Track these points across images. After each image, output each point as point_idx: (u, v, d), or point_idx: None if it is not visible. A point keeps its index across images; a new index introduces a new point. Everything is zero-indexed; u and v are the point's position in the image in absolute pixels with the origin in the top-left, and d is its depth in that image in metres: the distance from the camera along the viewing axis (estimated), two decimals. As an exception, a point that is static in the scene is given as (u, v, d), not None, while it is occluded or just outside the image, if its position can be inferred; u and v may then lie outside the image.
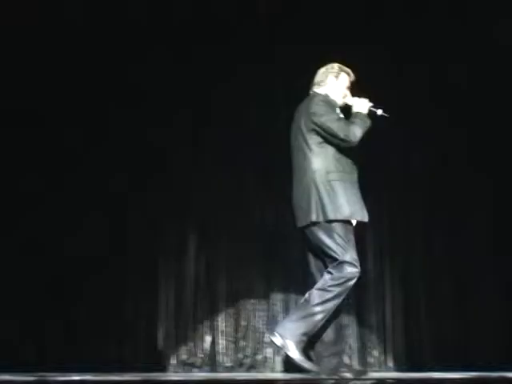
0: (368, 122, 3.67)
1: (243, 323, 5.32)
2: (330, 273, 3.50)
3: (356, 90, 3.89)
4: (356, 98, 3.78)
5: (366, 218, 3.62)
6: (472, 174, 5.50)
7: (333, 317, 3.56)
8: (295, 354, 3.42)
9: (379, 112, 3.76)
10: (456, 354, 5.08)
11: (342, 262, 3.48)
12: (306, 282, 3.98)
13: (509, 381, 3.03)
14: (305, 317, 3.47)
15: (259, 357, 5.28)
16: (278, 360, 5.22)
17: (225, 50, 5.50)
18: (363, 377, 3.64)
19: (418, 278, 5.42)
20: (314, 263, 3.71)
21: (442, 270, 5.44)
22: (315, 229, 3.56)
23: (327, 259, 3.57)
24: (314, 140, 3.61)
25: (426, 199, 5.51)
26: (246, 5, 5.51)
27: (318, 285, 3.52)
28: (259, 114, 5.47)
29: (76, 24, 5.28)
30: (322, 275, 3.56)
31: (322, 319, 3.47)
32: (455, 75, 5.50)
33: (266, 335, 5.21)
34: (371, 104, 3.76)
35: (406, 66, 5.54)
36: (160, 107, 5.47)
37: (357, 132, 3.57)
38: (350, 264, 3.50)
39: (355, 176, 3.68)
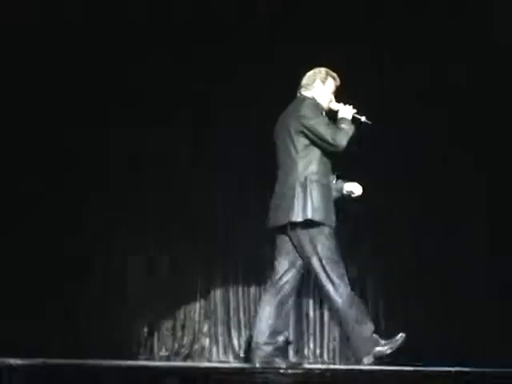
0: (352, 129, 3.68)
1: (181, 315, 5.45)
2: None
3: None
4: (341, 104, 3.79)
5: (333, 224, 3.64)
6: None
7: (281, 308, 3.63)
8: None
9: (363, 119, 3.78)
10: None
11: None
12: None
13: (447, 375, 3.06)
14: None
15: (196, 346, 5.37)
16: (215, 350, 5.35)
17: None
18: (296, 368, 3.66)
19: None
20: (284, 260, 3.69)
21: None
22: (294, 228, 3.58)
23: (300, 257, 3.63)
24: (301, 142, 3.63)
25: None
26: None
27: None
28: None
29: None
30: (293, 272, 3.65)
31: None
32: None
33: (204, 325, 5.39)
34: (355, 111, 3.77)
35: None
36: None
37: (344, 138, 3.60)
38: None
39: (331, 181, 3.76)
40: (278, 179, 3.70)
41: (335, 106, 3.80)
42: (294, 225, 3.56)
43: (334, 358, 5.41)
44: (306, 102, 3.69)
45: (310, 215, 3.51)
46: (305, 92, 3.80)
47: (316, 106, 3.71)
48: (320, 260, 3.53)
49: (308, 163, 3.59)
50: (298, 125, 3.62)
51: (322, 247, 3.53)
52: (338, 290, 3.51)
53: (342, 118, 3.70)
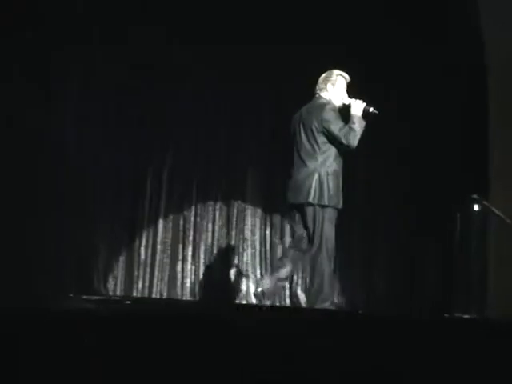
0: (363, 124, 4.38)
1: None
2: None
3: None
4: (352, 99, 4.45)
5: (340, 206, 4.44)
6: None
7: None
8: None
9: (371, 110, 4.42)
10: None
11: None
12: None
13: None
14: None
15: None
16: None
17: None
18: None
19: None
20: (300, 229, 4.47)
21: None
22: (309, 208, 4.35)
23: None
24: (321, 140, 4.38)
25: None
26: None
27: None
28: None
29: None
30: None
31: None
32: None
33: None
34: (365, 104, 4.42)
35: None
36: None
37: (355, 138, 4.33)
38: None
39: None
40: (296, 165, 4.45)
41: (347, 100, 4.47)
42: (311, 205, 4.32)
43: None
44: (327, 108, 4.40)
45: (326, 201, 4.30)
46: (322, 93, 4.52)
47: (334, 110, 4.42)
48: (321, 236, 4.29)
49: (326, 158, 4.37)
50: (320, 126, 4.36)
51: (327, 226, 4.29)
52: (330, 260, 4.32)
53: (353, 115, 4.39)
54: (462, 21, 5.78)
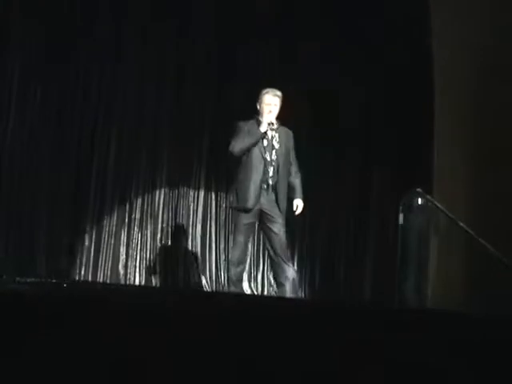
0: (255, 137, 4.67)
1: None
2: None
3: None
4: (265, 116, 4.74)
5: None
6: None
7: None
8: None
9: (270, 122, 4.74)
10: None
11: None
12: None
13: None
14: None
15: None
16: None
17: None
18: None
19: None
20: None
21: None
22: None
23: None
24: None
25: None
26: None
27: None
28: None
29: None
30: None
31: None
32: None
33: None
34: (269, 120, 4.71)
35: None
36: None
37: (236, 146, 4.69)
38: None
39: None
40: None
41: (262, 118, 4.78)
42: None
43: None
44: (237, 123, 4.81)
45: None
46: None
47: (244, 123, 4.76)
48: None
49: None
50: None
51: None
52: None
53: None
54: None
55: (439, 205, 4.94)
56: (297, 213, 4.83)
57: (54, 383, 2.08)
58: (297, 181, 4.85)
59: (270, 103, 4.75)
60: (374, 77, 6.25)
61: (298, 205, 4.81)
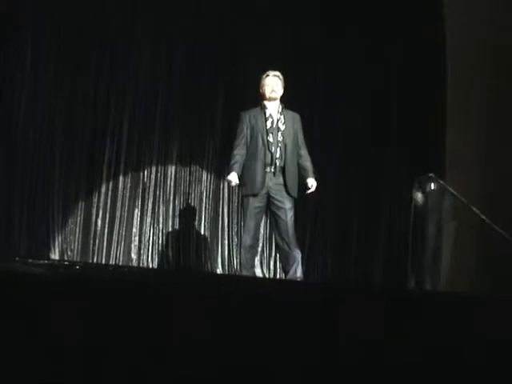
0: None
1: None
2: None
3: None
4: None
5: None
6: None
7: None
8: None
9: None
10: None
11: None
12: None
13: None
14: None
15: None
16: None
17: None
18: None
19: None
20: None
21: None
22: None
23: None
24: None
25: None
26: None
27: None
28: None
29: None
30: None
31: None
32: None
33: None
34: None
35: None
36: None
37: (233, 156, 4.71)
38: None
39: None
40: None
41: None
42: None
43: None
44: None
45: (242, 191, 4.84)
46: None
47: (248, 112, 4.75)
48: None
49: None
50: None
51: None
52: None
53: None
54: None
55: (452, 189, 4.92)
56: (309, 191, 4.72)
57: (66, 364, 2.09)
58: (307, 163, 4.72)
59: (271, 84, 4.72)
60: (387, 62, 6.20)
61: (313, 184, 4.70)
